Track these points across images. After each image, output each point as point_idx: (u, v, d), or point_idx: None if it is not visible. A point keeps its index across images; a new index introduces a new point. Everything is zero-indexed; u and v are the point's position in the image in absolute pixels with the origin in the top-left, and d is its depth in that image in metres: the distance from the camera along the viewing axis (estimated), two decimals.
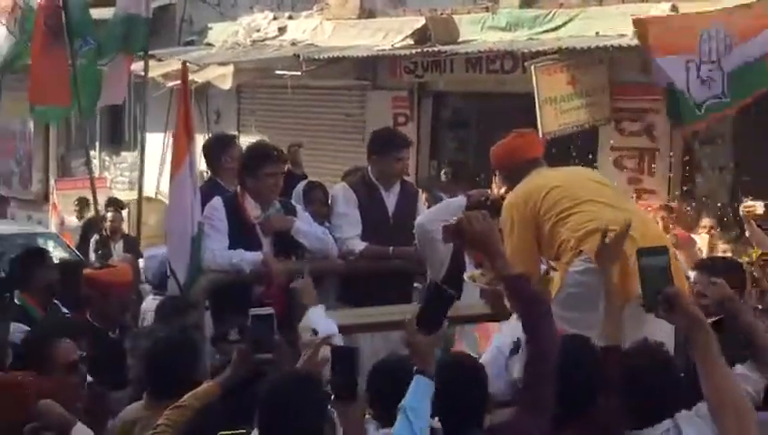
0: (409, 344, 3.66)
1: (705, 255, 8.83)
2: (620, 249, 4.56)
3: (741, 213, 7.93)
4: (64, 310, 6.13)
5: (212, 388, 4.15)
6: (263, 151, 6.05)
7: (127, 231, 13.51)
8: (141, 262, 8.00)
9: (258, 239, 5.97)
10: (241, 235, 5.93)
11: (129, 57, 6.82)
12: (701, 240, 9.40)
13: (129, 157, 17.82)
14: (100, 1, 11.71)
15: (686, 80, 6.68)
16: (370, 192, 6.46)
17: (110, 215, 12.95)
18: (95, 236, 12.52)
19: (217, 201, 5.99)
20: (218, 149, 6.83)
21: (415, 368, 3.63)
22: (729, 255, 8.63)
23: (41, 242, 11.83)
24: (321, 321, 4.31)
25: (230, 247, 5.89)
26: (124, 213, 14.09)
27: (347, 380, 3.78)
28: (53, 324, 5.43)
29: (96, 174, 18.17)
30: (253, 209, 5.99)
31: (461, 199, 6.15)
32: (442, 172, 12.53)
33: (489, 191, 6.15)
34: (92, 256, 11.90)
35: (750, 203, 7.84)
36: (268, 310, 4.23)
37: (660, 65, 6.70)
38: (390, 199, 6.51)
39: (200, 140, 7.84)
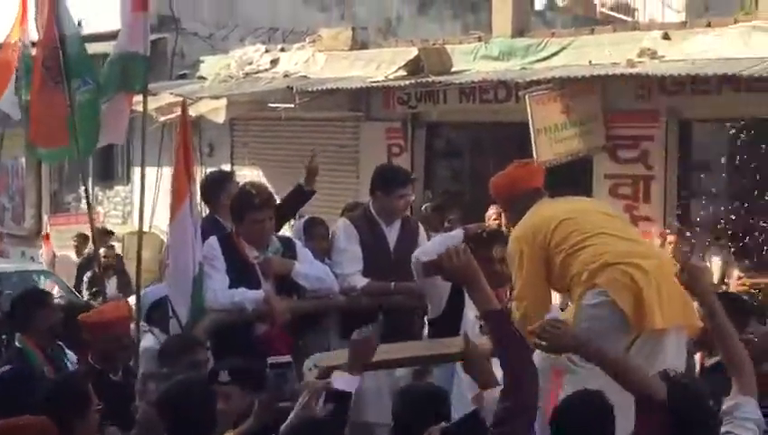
0: None
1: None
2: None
3: None
4: (69, 352, 6.07)
5: None
6: (245, 199, 6.00)
7: (121, 265, 13.47)
8: (131, 299, 7.93)
9: (257, 278, 5.94)
10: (240, 274, 5.91)
11: (128, 96, 6.79)
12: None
13: (121, 191, 17.80)
14: (97, 36, 11.73)
15: None
16: (372, 228, 6.43)
17: (102, 251, 12.94)
18: (87, 274, 12.49)
19: (214, 240, 5.98)
20: (216, 186, 6.81)
21: None
22: (742, 281, 8.68)
23: (36, 279, 11.80)
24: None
25: (230, 286, 5.86)
26: (117, 246, 14.06)
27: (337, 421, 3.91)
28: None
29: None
30: (249, 250, 5.97)
31: (458, 233, 6.15)
32: (422, 207, 12.41)
33: (486, 224, 6.15)
34: (86, 295, 11.83)
35: None
36: (286, 358, 4.21)
37: None
38: (392, 235, 6.47)
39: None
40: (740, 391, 4.13)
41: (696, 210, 11.61)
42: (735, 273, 9.04)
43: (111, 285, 12.03)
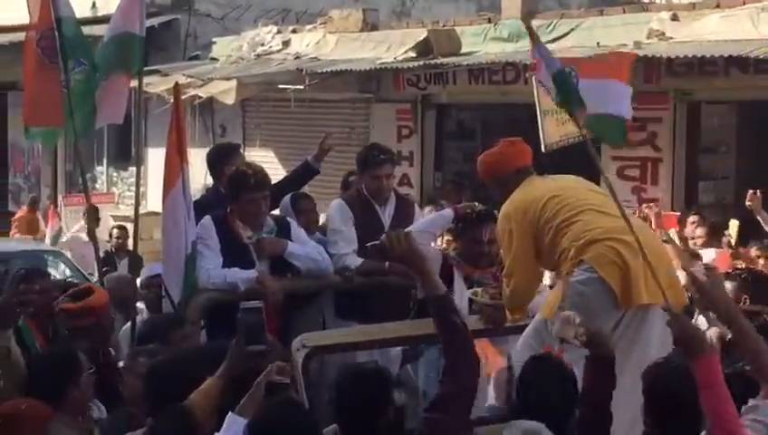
0: None
1: None
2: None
3: (747, 203, 8.06)
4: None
5: (215, 383, 4.12)
6: (240, 180, 6.00)
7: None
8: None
9: (251, 258, 5.96)
10: (233, 253, 5.92)
11: (126, 76, 6.80)
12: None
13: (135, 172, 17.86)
14: (94, 18, 11.76)
15: None
16: (365, 207, 6.45)
17: (115, 232, 13.02)
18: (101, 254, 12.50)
19: (207, 220, 5.99)
20: (221, 158, 6.86)
21: None
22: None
23: (46, 260, 11.84)
24: None
25: (224, 266, 5.88)
26: (129, 227, 14.08)
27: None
28: None
29: (104, 189, 18.43)
30: (243, 230, 6.00)
31: (448, 212, 6.17)
32: (448, 183, 12.69)
33: (476, 204, 6.17)
34: (96, 274, 11.87)
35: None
36: (257, 303, 4.24)
37: None
38: (386, 214, 6.49)
39: (204, 153, 7.90)
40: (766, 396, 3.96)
41: (704, 193, 11.59)
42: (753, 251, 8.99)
43: (123, 266, 12.10)
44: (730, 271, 7.19)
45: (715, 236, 9.43)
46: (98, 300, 5.56)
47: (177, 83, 6.02)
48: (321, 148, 7.14)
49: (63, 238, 14.19)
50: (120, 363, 5.29)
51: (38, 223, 16.06)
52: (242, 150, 9.93)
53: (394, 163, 6.67)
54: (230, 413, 3.87)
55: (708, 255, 8.91)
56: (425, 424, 3.89)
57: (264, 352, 4.18)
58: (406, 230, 5.88)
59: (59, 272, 11.36)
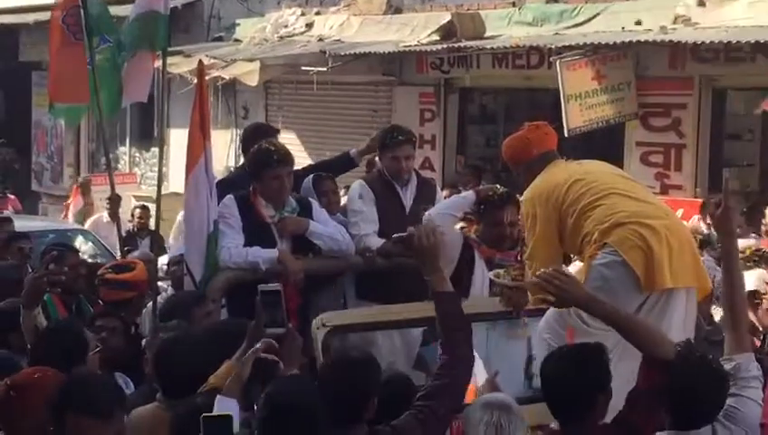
0: None
1: None
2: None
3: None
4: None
5: (232, 367, 4.08)
6: (263, 156, 5.97)
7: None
8: (163, 259, 8.03)
9: (273, 237, 5.95)
10: (255, 233, 5.91)
11: (151, 54, 6.82)
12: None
13: (158, 152, 17.88)
14: None
15: None
16: (386, 188, 6.44)
17: (137, 211, 13.08)
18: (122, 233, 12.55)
19: (230, 199, 5.98)
20: (258, 137, 6.69)
21: None
22: None
23: (71, 238, 11.90)
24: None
25: (245, 245, 5.88)
26: (152, 207, 14.12)
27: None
28: None
29: (126, 170, 18.49)
30: (265, 208, 6.00)
31: (470, 194, 6.16)
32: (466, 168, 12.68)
33: (497, 186, 6.16)
34: (118, 254, 11.92)
35: None
36: (276, 286, 4.23)
37: None
38: (407, 195, 6.49)
39: (226, 134, 7.91)
40: (736, 349, 4.12)
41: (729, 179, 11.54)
42: None
43: (145, 245, 12.15)
44: None
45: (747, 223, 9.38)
46: (140, 275, 5.63)
47: (201, 61, 6.02)
48: (371, 144, 7.04)
49: (86, 223, 14.20)
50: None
51: (91, 209, 16.03)
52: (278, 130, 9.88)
53: (413, 144, 6.62)
54: (218, 395, 3.80)
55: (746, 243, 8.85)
56: (414, 410, 3.92)
57: (283, 334, 4.17)
58: (427, 212, 5.95)
59: (84, 251, 11.42)
